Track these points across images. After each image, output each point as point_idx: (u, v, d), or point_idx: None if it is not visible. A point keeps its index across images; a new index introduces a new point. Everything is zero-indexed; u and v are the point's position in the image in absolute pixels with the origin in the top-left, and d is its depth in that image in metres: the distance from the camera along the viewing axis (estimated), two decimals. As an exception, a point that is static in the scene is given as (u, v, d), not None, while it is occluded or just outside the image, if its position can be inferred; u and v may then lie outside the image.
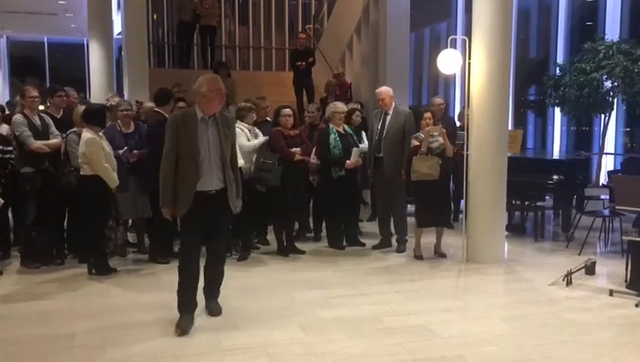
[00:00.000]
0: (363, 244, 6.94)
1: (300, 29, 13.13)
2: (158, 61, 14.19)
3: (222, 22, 13.07)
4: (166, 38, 14.85)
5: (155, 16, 14.29)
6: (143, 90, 8.32)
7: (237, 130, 6.10)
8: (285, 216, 6.59)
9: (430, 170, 6.16)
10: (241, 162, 6.18)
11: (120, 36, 11.41)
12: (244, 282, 5.58)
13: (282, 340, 4.17)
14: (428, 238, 6.59)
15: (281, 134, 6.48)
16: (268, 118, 7.16)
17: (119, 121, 6.33)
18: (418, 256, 6.43)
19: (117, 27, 12.46)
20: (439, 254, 6.55)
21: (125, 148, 6.11)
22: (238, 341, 4.14)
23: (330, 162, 6.59)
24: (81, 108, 6.01)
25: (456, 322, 4.61)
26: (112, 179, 5.63)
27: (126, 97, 8.69)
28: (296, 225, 7.14)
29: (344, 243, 6.85)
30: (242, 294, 5.23)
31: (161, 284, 5.50)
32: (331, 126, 6.69)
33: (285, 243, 6.59)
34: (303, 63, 10.57)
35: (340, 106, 6.90)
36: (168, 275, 5.73)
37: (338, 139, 6.61)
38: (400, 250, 6.74)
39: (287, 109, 6.62)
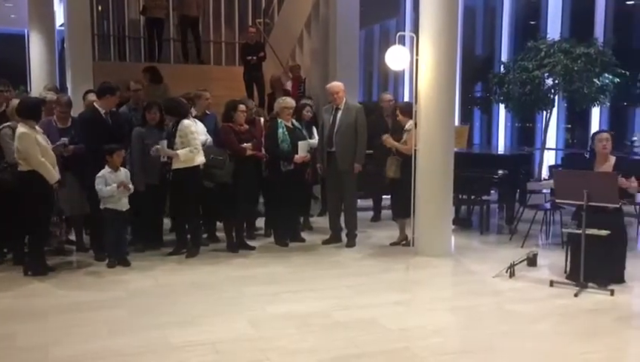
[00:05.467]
0: (303, 240, 6.96)
1: (250, 23, 13.01)
2: (104, 54, 13.81)
3: (170, 14, 12.80)
4: (112, 30, 14.47)
5: (99, 8, 13.88)
6: (86, 84, 8.04)
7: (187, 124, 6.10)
8: (235, 212, 6.54)
9: (394, 173, 6.67)
10: (200, 159, 6.15)
11: (63, 27, 11.04)
12: (192, 278, 5.52)
13: (231, 336, 4.14)
14: (387, 231, 6.63)
15: (231, 129, 6.43)
16: (207, 112, 7.08)
17: (55, 116, 6.14)
18: (407, 243, 6.74)
19: (59, 18, 12.05)
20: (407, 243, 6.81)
21: (63, 139, 5.92)
22: (185, 338, 4.09)
23: (279, 156, 6.58)
24: (16, 101, 5.80)
25: (404, 314, 4.68)
26: (51, 174, 5.44)
27: (69, 91, 8.41)
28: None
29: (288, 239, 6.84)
30: (190, 290, 5.18)
31: (103, 283, 5.38)
32: (279, 120, 6.68)
33: (235, 239, 6.55)
34: (254, 58, 10.48)
35: (289, 101, 6.89)
36: (111, 274, 5.64)
37: (287, 133, 6.61)
38: (350, 244, 6.79)
39: (243, 105, 6.59)
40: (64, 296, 5.02)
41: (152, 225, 6.54)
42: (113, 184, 5.75)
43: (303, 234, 7.17)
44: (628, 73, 9.21)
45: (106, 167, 5.81)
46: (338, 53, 9.23)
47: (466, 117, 13.48)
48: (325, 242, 6.91)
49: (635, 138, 9.63)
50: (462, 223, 8.02)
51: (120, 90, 6.71)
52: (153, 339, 4.08)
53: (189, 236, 6.32)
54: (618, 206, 5.26)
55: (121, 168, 5.90)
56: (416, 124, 6.47)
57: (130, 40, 13.80)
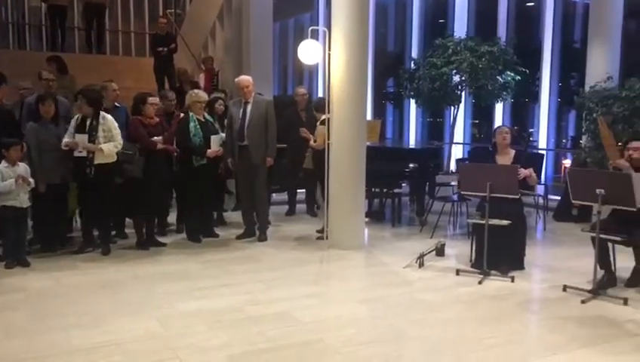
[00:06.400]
0: (217, 235, 6.88)
1: (161, 13, 12.64)
2: (2, 42, 12.99)
3: (74, 2, 12.21)
4: (10, 17, 13.64)
5: (-3, -5, 13.06)
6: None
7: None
8: (146, 208, 6.33)
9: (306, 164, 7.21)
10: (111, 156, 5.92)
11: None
12: (97, 278, 5.30)
13: (139, 336, 4.00)
14: (301, 225, 6.65)
15: (140, 123, 6.22)
16: (117, 104, 6.82)
17: None
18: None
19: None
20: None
21: None
22: (89, 339, 3.91)
23: (191, 150, 6.44)
24: None
25: (317, 307, 4.70)
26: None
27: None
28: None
29: (201, 235, 6.73)
30: (95, 290, 4.97)
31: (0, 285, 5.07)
32: (191, 114, 6.53)
33: (145, 236, 6.35)
34: (165, 49, 10.21)
35: (202, 95, 6.76)
36: (9, 275, 5.32)
37: (198, 127, 6.48)
38: (262, 239, 6.76)
39: (154, 97, 6.42)
40: (-45, 301, 4.68)
41: (54, 224, 6.19)
42: (11, 179, 5.41)
43: (217, 230, 7.07)
44: (527, 71, 9.73)
45: (3, 161, 5.46)
46: (252, 46, 9.17)
47: (379, 111, 13.77)
48: (239, 237, 6.84)
49: (531, 130, 10.21)
50: (375, 216, 8.19)
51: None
52: (54, 342, 3.87)
53: (97, 233, 6.05)
54: (518, 197, 5.54)
55: (20, 163, 5.56)
56: (329, 119, 6.52)
57: (31, 28, 13.04)
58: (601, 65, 8.15)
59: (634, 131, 7.14)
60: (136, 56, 13.19)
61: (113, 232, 6.59)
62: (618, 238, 5.04)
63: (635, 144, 5.20)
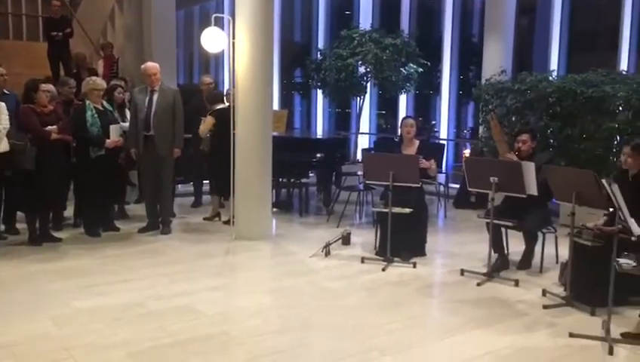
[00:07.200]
0: (117, 229, 6.63)
1: (55, -5, 11.92)
2: None
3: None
4: None
5: None
6: None
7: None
8: (39, 202, 5.97)
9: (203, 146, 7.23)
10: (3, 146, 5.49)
11: None
12: (-15, 277, 4.95)
13: (31, 337, 3.78)
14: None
15: (32, 111, 5.84)
16: (6, 91, 6.38)
17: None
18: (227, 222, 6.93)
19: None
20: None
21: None
22: (-26, 344, 3.65)
23: (88, 141, 6.14)
24: None
25: (222, 299, 4.65)
26: None
27: None
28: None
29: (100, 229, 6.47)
30: (-17, 291, 4.64)
31: None
32: (88, 102, 6.22)
33: (38, 231, 5.99)
34: (59, 34, 9.66)
35: (99, 82, 6.46)
36: None
37: (96, 116, 6.18)
38: (165, 231, 6.59)
39: (47, 85, 6.05)
40: None
41: None
42: None
43: (118, 223, 6.79)
44: (429, 64, 10.06)
45: None
46: (153, 32, 8.87)
47: (287, 102, 13.76)
48: (142, 230, 6.62)
49: (433, 122, 10.59)
50: (282, 206, 8.18)
51: None
52: None
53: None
54: (419, 185, 5.71)
55: None
56: (234, 108, 6.43)
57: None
58: (496, 59, 8.57)
59: (525, 122, 7.57)
60: (29, 41, 12.38)
61: (2, 227, 6.17)
62: (510, 223, 5.32)
63: (523, 137, 5.50)
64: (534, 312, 4.44)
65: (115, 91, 6.92)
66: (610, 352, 3.71)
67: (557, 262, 5.47)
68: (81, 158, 6.22)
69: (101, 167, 6.20)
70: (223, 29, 6.67)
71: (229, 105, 6.66)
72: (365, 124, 11.28)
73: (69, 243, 6.12)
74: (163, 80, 6.63)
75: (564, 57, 8.69)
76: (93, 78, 6.69)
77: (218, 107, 6.96)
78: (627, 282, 4.21)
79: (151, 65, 6.54)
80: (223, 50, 6.51)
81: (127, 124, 6.68)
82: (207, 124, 6.93)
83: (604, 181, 3.85)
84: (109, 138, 6.20)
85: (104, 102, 6.44)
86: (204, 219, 7.32)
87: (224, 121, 6.65)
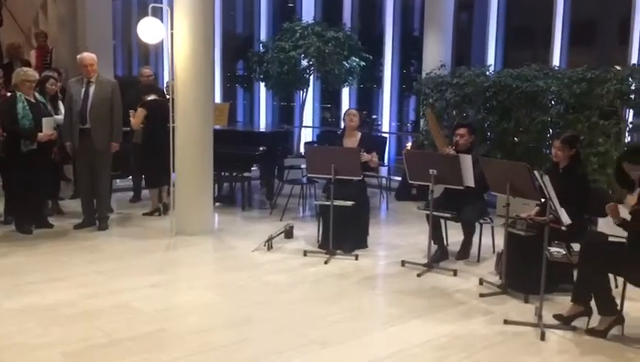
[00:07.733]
0: (51, 226, 6.40)
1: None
2: None
3: None
4: None
5: None
6: None
7: None
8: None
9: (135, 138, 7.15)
10: None
11: None
12: None
13: (-46, 341, 3.60)
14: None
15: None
16: None
17: None
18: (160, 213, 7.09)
19: None
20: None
21: None
22: None
23: (19, 134, 5.88)
24: None
25: (161, 296, 4.55)
26: None
27: None
28: None
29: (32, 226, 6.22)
30: None
31: None
32: (19, 94, 5.95)
33: (-35, 229, 5.72)
34: (-13, 22, 9.23)
35: (31, 73, 6.19)
36: None
37: (28, 108, 5.92)
38: (102, 227, 6.40)
39: None
40: None
41: None
42: None
43: (52, 220, 6.56)
44: (371, 57, 10.13)
45: None
46: (88, 22, 8.56)
47: (229, 95, 13.59)
48: (77, 226, 6.41)
49: (375, 117, 10.69)
50: (225, 200, 8.09)
51: None
52: None
53: None
54: (361, 178, 5.75)
55: None
56: (173, 100, 6.29)
57: None
58: (436, 54, 8.72)
59: (465, 116, 7.74)
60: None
61: None
62: (448, 215, 5.43)
63: (461, 130, 5.62)
64: (471, 301, 4.55)
65: (47, 83, 6.66)
66: (542, 337, 3.85)
67: (494, 252, 5.63)
68: (12, 152, 5.96)
69: (33, 161, 5.95)
70: (161, 19, 6.50)
71: (162, 97, 6.56)
72: (309, 117, 11.28)
73: (-1, 241, 5.87)
74: (99, 71, 6.42)
75: (500, 52, 8.92)
76: (25, 68, 6.41)
77: (149, 98, 6.90)
78: (558, 270, 4.38)
79: (87, 56, 6.32)
80: (163, 42, 6.34)
81: (61, 117, 6.45)
82: (138, 115, 6.84)
83: (536, 173, 3.96)
84: (41, 131, 5.96)
85: (36, 94, 6.18)
86: (144, 214, 7.16)
87: (156, 113, 6.53)
